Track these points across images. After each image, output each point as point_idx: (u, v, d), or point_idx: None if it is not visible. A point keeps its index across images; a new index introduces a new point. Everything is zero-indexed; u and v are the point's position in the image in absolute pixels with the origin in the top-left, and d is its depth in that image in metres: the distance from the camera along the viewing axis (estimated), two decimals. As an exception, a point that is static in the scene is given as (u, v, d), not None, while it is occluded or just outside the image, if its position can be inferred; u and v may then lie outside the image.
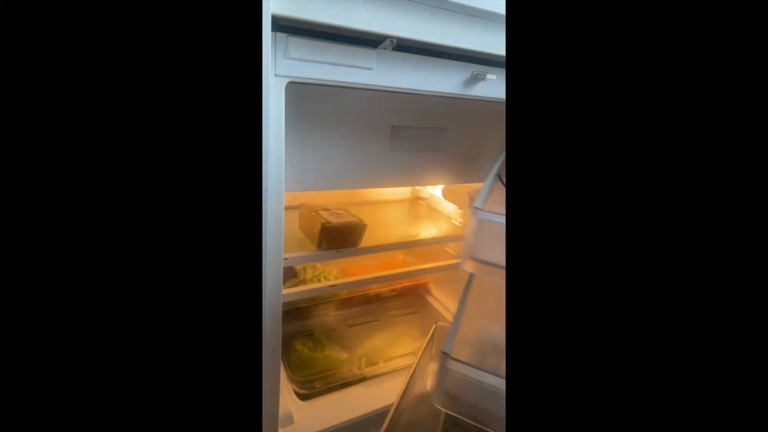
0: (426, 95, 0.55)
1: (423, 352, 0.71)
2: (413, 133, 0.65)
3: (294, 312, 0.91)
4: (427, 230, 0.97)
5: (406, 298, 1.02)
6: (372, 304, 0.98)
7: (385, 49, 0.44)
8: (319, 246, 0.73)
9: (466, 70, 0.52)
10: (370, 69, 0.44)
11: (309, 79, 0.43)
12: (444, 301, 1.02)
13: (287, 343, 0.83)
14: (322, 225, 0.71)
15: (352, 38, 0.42)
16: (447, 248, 0.98)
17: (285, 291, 0.71)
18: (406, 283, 1.02)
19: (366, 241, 0.78)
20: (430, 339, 0.70)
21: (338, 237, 0.74)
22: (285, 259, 0.69)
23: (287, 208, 0.96)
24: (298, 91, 0.48)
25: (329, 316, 0.93)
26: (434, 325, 0.71)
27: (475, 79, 0.53)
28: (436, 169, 0.72)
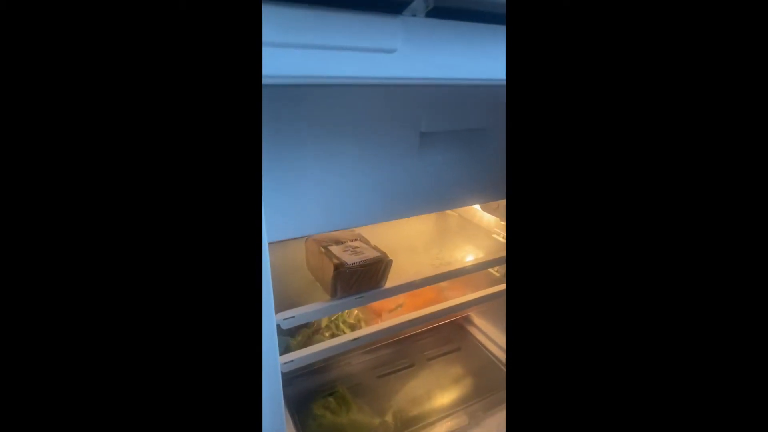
0: (463, 85, 0.38)
1: None
2: (447, 140, 0.47)
3: (310, 365, 0.75)
4: (464, 250, 0.79)
5: (443, 332, 0.85)
6: (403, 344, 0.81)
7: (414, 15, 0.26)
8: (334, 294, 0.56)
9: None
10: (392, 52, 0.26)
11: (295, 78, 0.25)
12: (489, 332, 0.85)
13: (304, 406, 0.67)
14: (336, 268, 0.54)
15: (360, 1, 0.24)
16: (491, 269, 0.80)
17: (286, 358, 0.55)
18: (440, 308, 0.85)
19: (391, 272, 0.61)
20: None
21: (357, 280, 0.57)
22: (289, 318, 0.53)
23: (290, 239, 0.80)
24: (275, 97, 0.31)
25: (352, 365, 0.77)
26: None
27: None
28: (479, 184, 0.54)
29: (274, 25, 0.23)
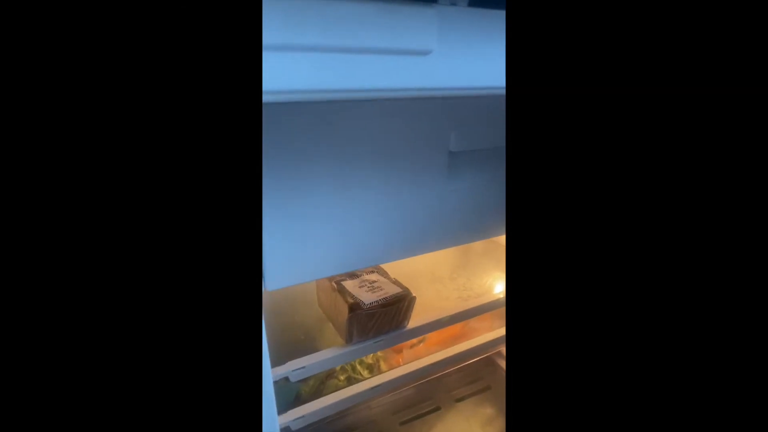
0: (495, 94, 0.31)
1: None
2: (480, 160, 0.40)
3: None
4: (492, 276, 0.72)
5: (471, 368, 0.77)
6: (427, 383, 0.73)
7: (453, 5, 0.19)
8: (349, 339, 0.49)
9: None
10: (426, 53, 0.20)
11: (302, 92, 0.19)
12: (522, 367, 0.76)
13: (319, 461, 0.60)
14: (351, 309, 0.47)
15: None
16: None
17: (297, 412, 0.48)
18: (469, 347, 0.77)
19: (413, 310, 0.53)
20: None
21: (376, 322, 0.49)
22: (299, 369, 0.46)
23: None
24: (279, 117, 0.25)
25: (372, 408, 0.69)
26: None
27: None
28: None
29: (293, 18, 0.16)
